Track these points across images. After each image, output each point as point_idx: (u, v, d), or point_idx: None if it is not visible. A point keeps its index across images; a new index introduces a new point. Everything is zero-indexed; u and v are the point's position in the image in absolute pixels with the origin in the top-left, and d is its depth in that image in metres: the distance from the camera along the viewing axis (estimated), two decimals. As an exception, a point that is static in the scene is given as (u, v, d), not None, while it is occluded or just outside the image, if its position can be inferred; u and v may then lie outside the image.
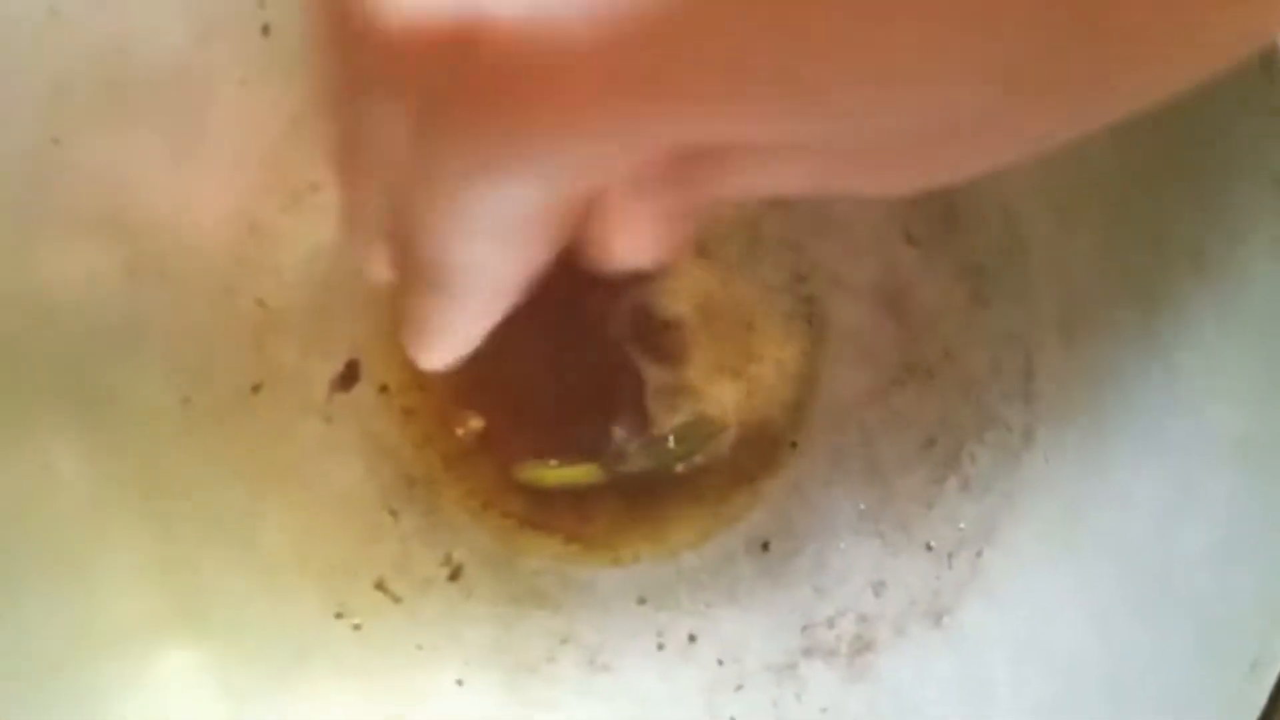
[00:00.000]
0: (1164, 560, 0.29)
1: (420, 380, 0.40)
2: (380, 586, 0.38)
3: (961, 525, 0.34)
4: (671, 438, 0.38)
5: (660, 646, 0.37)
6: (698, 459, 0.39)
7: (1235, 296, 0.28)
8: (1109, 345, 0.31)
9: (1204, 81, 0.27)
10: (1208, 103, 0.27)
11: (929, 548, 0.35)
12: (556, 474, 0.39)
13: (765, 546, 0.38)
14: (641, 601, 0.38)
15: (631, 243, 0.22)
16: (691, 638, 0.37)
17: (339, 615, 0.37)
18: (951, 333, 0.35)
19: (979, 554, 0.34)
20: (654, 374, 0.38)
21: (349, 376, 0.39)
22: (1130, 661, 0.29)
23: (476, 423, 0.40)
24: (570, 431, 0.39)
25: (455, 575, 0.38)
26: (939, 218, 0.35)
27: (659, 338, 0.39)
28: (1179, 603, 0.28)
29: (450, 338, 0.24)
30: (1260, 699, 0.25)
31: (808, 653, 0.35)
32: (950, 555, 0.34)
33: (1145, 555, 0.29)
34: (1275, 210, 0.26)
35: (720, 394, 0.38)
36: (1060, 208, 0.32)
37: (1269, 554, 0.27)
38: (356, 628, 0.37)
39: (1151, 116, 0.29)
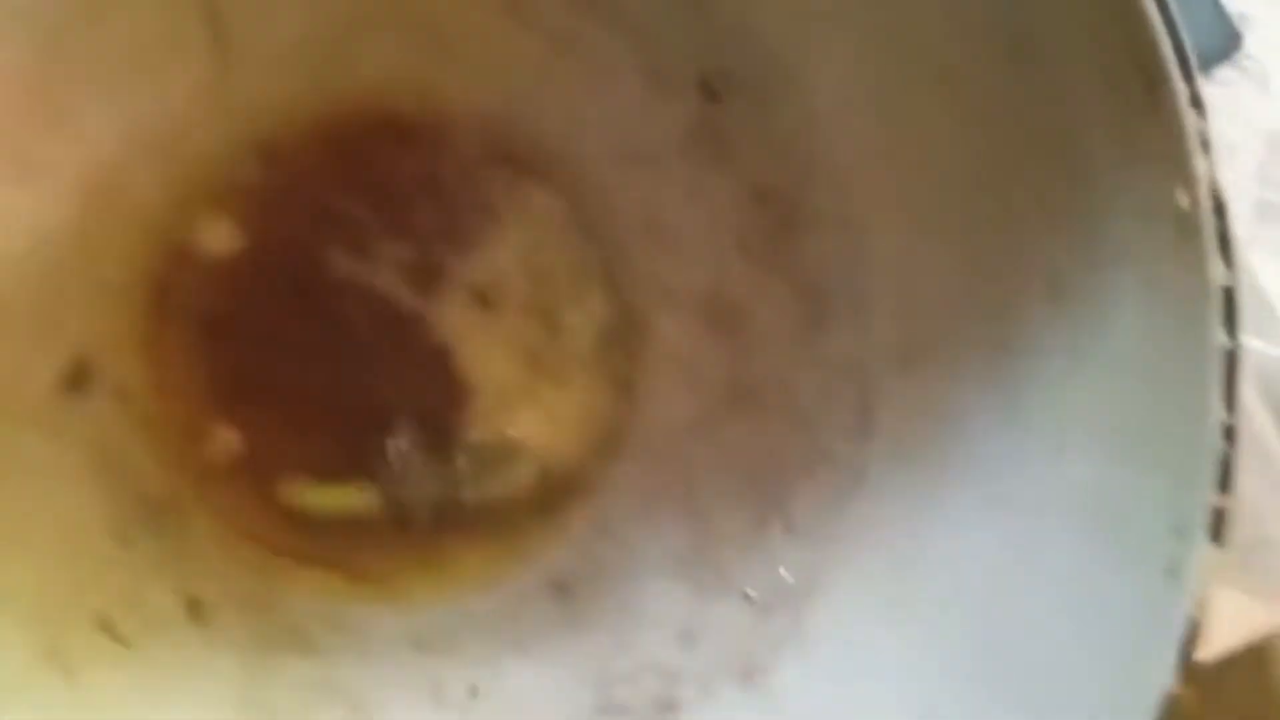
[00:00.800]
0: (1000, 626, 0.26)
1: (166, 386, 0.33)
2: (104, 626, 0.32)
3: (783, 573, 0.31)
4: (462, 459, 0.33)
5: (437, 700, 0.32)
6: (492, 487, 0.34)
7: (1093, 335, 0.25)
8: (952, 379, 0.28)
9: (1077, 95, 0.24)
10: (1078, 115, 0.24)
11: (746, 597, 0.31)
12: (325, 497, 0.34)
13: (564, 589, 0.33)
14: (418, 648, 0.33)
15: None
16: (473, 691, 0.32)
17: (49, 656, 0.31)
18: (784, 357, 0.32)
19: (800, 607, 0.30)
20: (444, 386, 0.33)
21: (77, 378, 0.33)
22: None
23: (231, 435, 0.34)
24: (343, 448, 0.33)
25: (196, 614, 0.33)
26: (776, 225, 0.32)
27: (451, 344, 0.34)
28: (1010, 680, 0.25)
29: None
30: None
31: (602, 711, 0.31)
32: (769, 607, 0.30)
33: (980, 619, 0.26)
34: (1145, 242, 0.23)
35: (522, 412, 0.34)
36: (908, 223, 0.29)
37: (1114, 633, 0.24)
38: (70, 673, 0.31)
39: (1018, 127, 0.27)
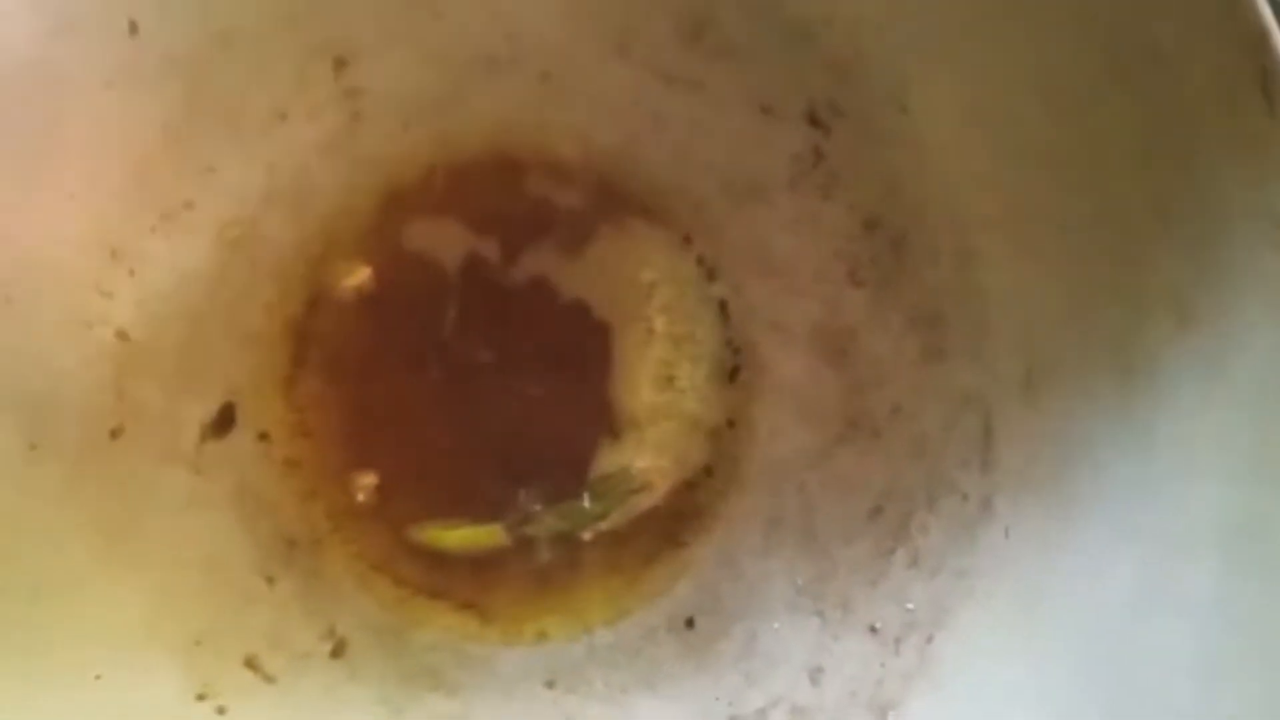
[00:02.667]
0: (1136, 661, 0.25)
1: (306, 428, 0.35)
2: (251, 664, 0.33)
3: (910, 606, 0.30)
4: (586, 496, 0.34)
5: (568, 737, 0.32)
6: (615, 522, 0.34)
7: (1223, 359, 0.24)
8: (1078, 409, 0.27)
9: (1197, 114, 0.24)
10: (1199, 135, 0.23)
11: (873, 630, 0.31)
12: (457, 536, 0.34)
13: (690, 624, 0.33)
14: (549, 685, 0.33)
15: None
16: (603, 728, 0.32)
17: (201, 697, 0.32)
18: (902, 388, 0.31)
19: (929, 640, 0.30)
20: (569, 426, 0.34)
21: (223, 422, 0.35)
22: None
23: (369, 479, 0.35)
24: (473, 489, 0.34)
25: (338, 651, 0.34)
26: (888, 256, 0.31)
27: (575, 384, 0.34)
28: (1152, 713, 0.24)
29: None
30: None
31: (734, 748, 0.31)
32: (897, 640, 0.30)
33: (1115, 654, 0.25)
34: (1274, 262, 0.22)
35: (643, 449, 0.34)
36: (1024, 249, 0.29)
37: (1259, 664, 0.23)
38: (221, 711, 0.32)
39: (1131, 147, 0.26)
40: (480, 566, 0.35)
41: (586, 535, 0.34)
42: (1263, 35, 0.21)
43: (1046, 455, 0.28)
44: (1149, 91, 0.24)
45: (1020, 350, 0.29)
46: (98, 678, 0.32)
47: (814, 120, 0.32)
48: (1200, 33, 0.23)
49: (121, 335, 0.33)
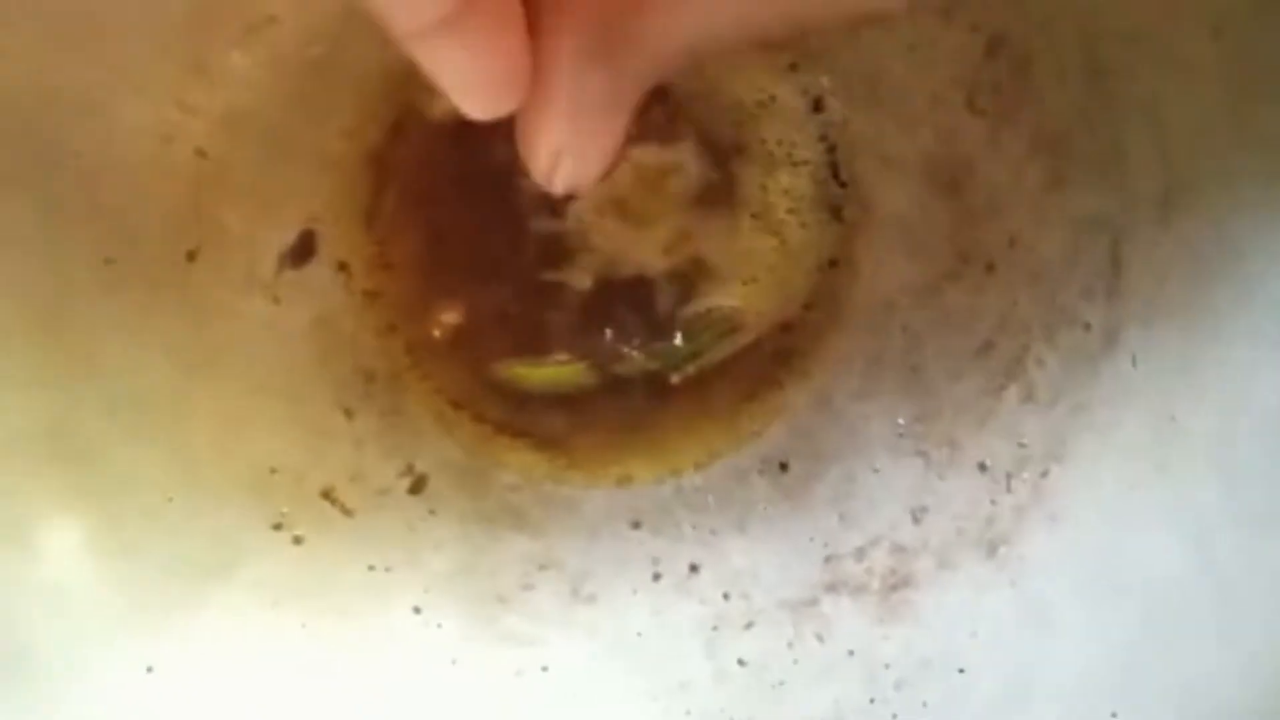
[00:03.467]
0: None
1: (387, 259, 0.34)
2: (328, 495, 0.32)
3: (1024, 441, 0.29)
4: (679, 335, 0.33)
5: (656, 577, 0.31)
6: (708, 362, 0.33)
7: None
8: (1220, 219, 0.26)
9: None
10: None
11: (983, 468, 0.29)
12: (541, 374, 0.33)
13: (784, 467, 0.32)
14: (636, 526, 0.32)
15: (580, 154, 0.22)
16: (693, 568, 0.31)
17: (277, 526, 0.31)
18: (1020, 217, 0.30)
19: (1044, 474, 0.28)
20: (658, 257, 0.33)
21: (303, 250, 0.33)
22: (1243, 584, 0.23)
23: (451, 314, 0.34)
24: (560, 326, 0.33)
25: (417, 487, 0.33)
26: (1011, 80, 0.30)
27: (671, 216, 0.33)
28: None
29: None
30: None
31: (831, 588, 0.30)
32: (1009, 476, 0.29)
33: (1263, 464, 0.24)
34: None
35: (738, 284, 0.33)
36: (1167, 57, 0.27)
37: None
38: (298, 541, 0.31)
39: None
40: (566, 406, 0.33)
41: (677, 376, 0.33)
42: None
43: (1182, 275, 0.27)
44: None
45: (1157, 168, 0.28)
46: (170, 500, 0.31)
47: (936, -65, 0.30)
48: None
49: (200, 153, 0.32)
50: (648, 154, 0.32)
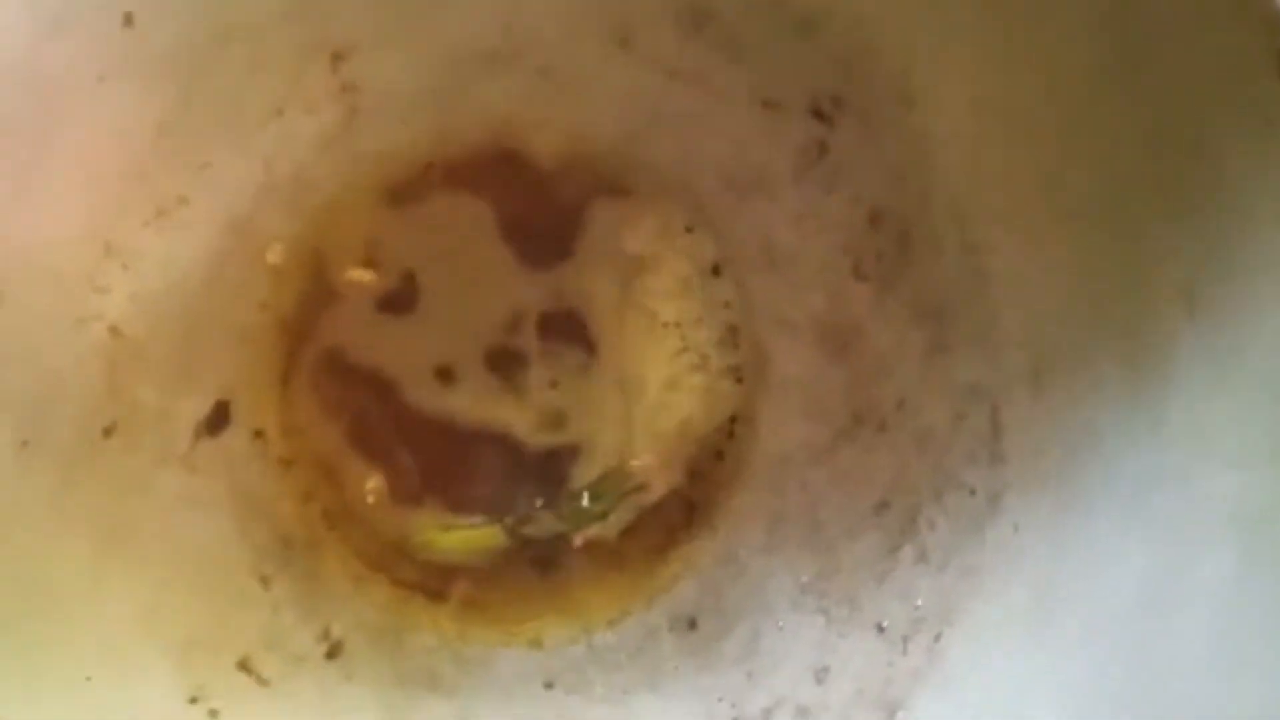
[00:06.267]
0: (1153, 655, 0.24)
1: (301, 427, 0.35)
2: (244, 666, 0.32)
3: (918, 603, 0.30)
4: (585, 495, 0.34)
5: (570, 739, 0.32)
6: (615, 522, 0.34)
7: (1233, 346, 0.24)
8: (1086, 400, 0.27)
9: (1204, 92, 0.24)
10: (1210, 119, 0.23)
11: (880, 629, 0.30)
12: (454, 538, 0.34)
13: (692, 624, 0.33)
14: (548, 686, 0.33)
15: None
16: (606, 729, 0.32)
17: (194, 700, 0.32)
18: (907, 381, 0.31)
19: (937, 637, 0.29)
20: (565, 423, 0.34)
21: (218, 420, 0.34)
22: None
23: (366, 480, 0.35)
24: (471, 490, 0.34)
25: (334, 653, 0.33)
26: (893, 249, 0.31)
27: (574, 380, 0.34)
28: (1170, 706, 0.24)
29: None
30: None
31: (738, 749, 0.31)
32: (905, 638, 0.30)
33: (1129, 646, 0.25)
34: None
35: (643, 446, 0.34)
36: (1031, 240, 0.28)
37: (1273, 647, 0.22)
38: (214, 714, 0.32)
39: (1138, 132, 0.26)
40: (478, 568, 0.34)
41: (586, 535, 0.34)
42: (1277, 17, 0.21)
43: (1055, 448, 0.28)
44: (1158, 75, 0.24)
45: (1027, 342, 0.29)
46: (88, 679, 0.31)
47: (818, 113, 0.32)
48: (1212, 14, 0.22)
49: (115, 331, 0.33)
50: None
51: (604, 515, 0.34)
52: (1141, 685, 0.25)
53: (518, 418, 0.34)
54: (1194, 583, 0.24)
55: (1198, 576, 0.24)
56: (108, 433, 0.33)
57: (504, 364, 0.34)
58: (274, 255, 0.34)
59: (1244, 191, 0.24)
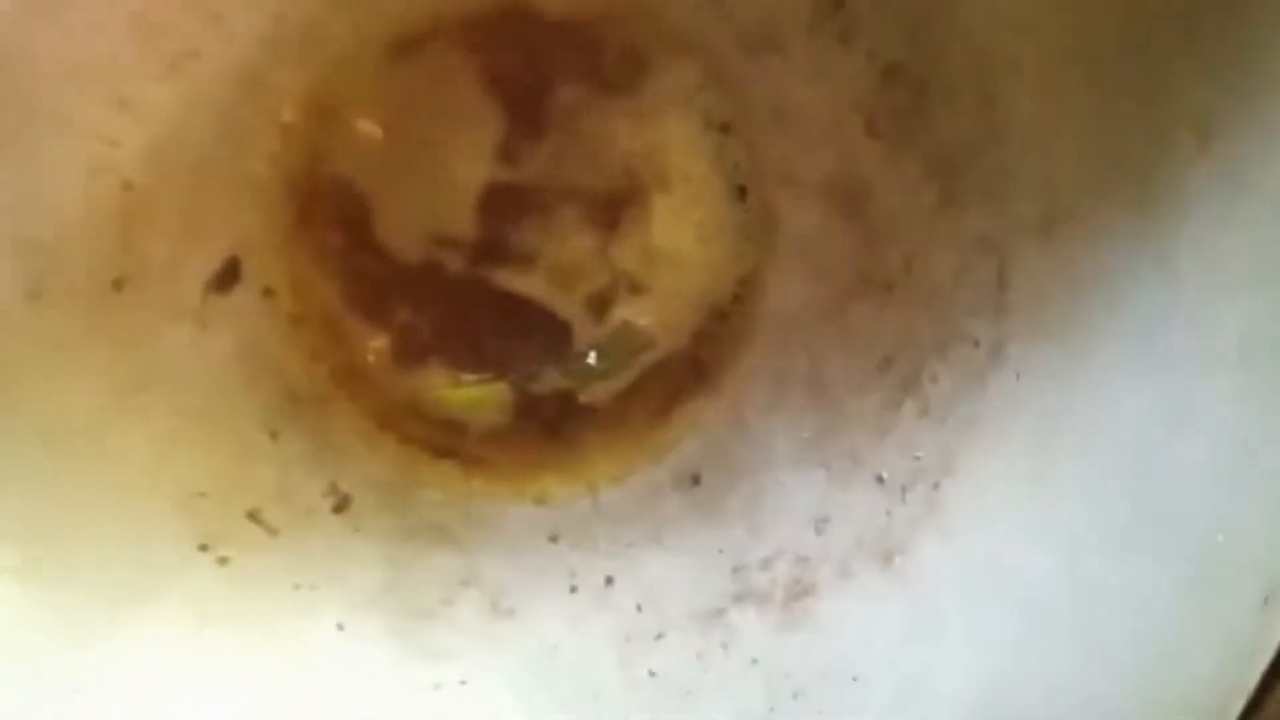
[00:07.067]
0: (1153, 483, 0.25)
1: (311, 284, 0.35)
2: (254, 516, 0.33)
3: (918, 455, 0.30)
4: (593, 354, 0.34)
5: (573, 589, 0.32)
6: (621, 380, 0.34)
7: (1246, 178, 0.24)
8: (1095, 242, 0.27)
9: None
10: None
11: (880, 480, 0.31)
12: (462, 395, 0.34)
13: (696, 480, 0.33)
14: (553, 539, 0.33)
15: None
16: (608, 580, 0.32)
17: (203, 547, 0.32)
18: (915, 238, 0.31)
19: (936, 486, 0.29)
20: (573, 279, 0.34)
21: (228, 276, 0.34)
22: (1107, 596, 0.24)
23: (375, 337, 0.35)
24: (479, 347, 0.34)
25: (341, 506, 0.34)
26: (907, 105, 0.31)
27: (580, 236, 0.34)
28: (1170, 530, 0.24)
29: None
30: (1274, 639, 0.21)
31: (738, 598, 0.31)
32: (904, 488, 0.30)
33: (1130, 480, 0.25)
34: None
35: (649, 305, 0.34)
36: (1045, 86, 0.28)
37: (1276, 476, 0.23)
38: (223, 561, 0.32)
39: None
40: (485, 425, 0.34)
41: (591, 394, 0.34)
42: None
43: (1061, 295, 0.28)
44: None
45: (1039, 192, 0.29)
46: (98, 523, 0.31)
47: (834, -36, 0.31)
48: None
49: (126, 185, 0.33)
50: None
51: (609, 374, 0.34)
52: (1141, 517, 0.25)
53: (523, 276, 0.34)
54: (1198, 411, 0.25)
55: (1202, 404, 0.24)
56: (118, 285, 0.33)
57: (510, 224, 0.34)
58: (288, 113, 0.34)
59: (1260, 23, 0.23)
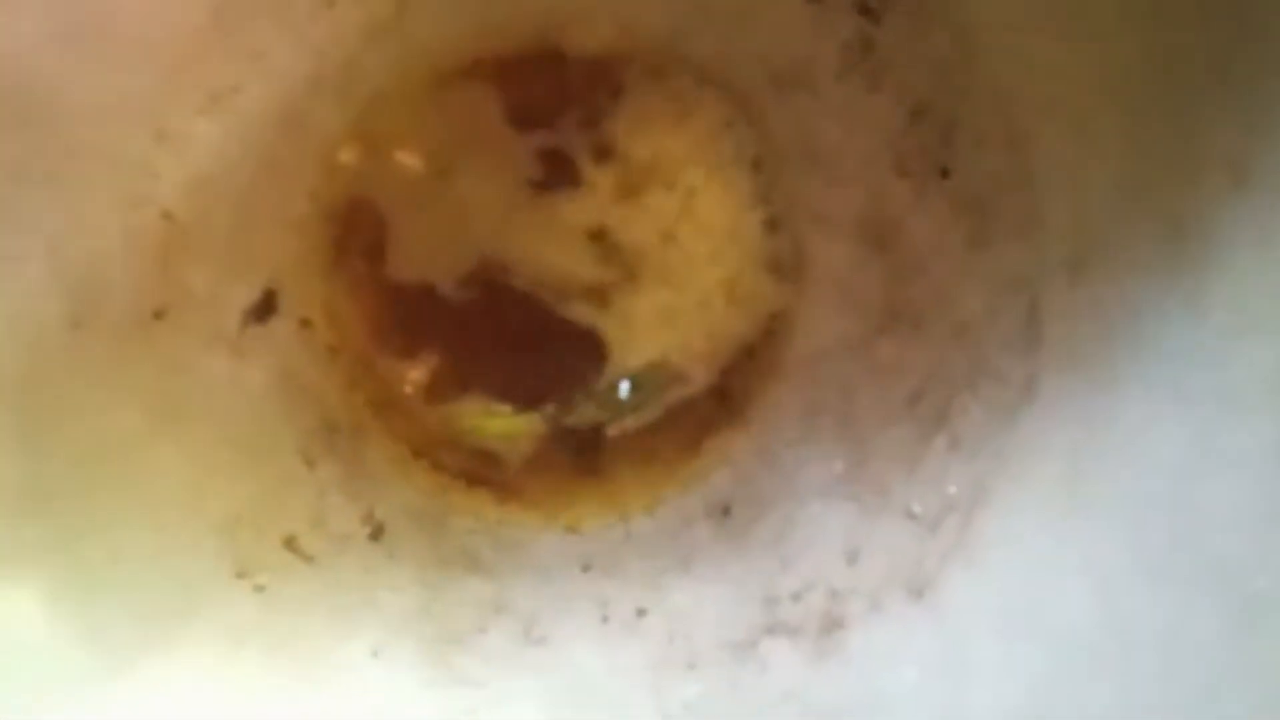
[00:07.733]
0: (1186, 522, 0.25)
1: (348, 316, 0.35)
2: (290, 544, 0.33)
3: (949, 489, 0.30)
4: (625, 385, 0.34)
5: (604, 619, 0.33)
6: (653, 412, 0.34)
7: (1279, 217, 0.24)
8: (1125, 280, 0.27)
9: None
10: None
11: (911, 513, 0.31)
12: (496, 424, 0.35)
13: (726, 511, 0.33)
14: (586, 569, 0.34)
15: None
16: (640, 611, 0.33)
17: (240, 574, 0.33)
18: (945, 276, 0.31)
19: (967, 520, 0.30)
20: (608, 315, 0.34)
21: (266, 307, 0.35)
22: (1141, 633, 0.25)
23: (410, 368, 0.35)
24: (513, 378, 0.35)
25: (377, 534, 0.34)
26: (936, 145, 0.31)
27: (614, 274, 0.34)
28: (1205, 570, 0.24)
29: None
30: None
31: (770, 630, 0.31)
32: (935, 522, 0.30)
33: (1163, 517, 0.25)
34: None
35: (682, 339, 0.34)
36: (1075, 126, 0.29)
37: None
38: (259, 589, 0.33)
39: (1188, 4, 0.26)
40: (518, 455, 0.35)
41: (622, 426, 0.34)
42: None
43: (1091, 331, 0.28)
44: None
45: (1070, 230, 0.29)
46: (135, 549, 0.32)
47: (864, 9, 0.32)
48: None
49: (167, 216, 0.34)
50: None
51: (642, 406, 0.34)
52: (1175, 555, 0.25)
53: (557, 308, 0.34)
54: (1230, 450, 0.25)
55: (1233, 444, 0.25)
56: (158, 315, 0.34)
57: (543, 256, 0.34)
58: (347, 154, 0.35)
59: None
